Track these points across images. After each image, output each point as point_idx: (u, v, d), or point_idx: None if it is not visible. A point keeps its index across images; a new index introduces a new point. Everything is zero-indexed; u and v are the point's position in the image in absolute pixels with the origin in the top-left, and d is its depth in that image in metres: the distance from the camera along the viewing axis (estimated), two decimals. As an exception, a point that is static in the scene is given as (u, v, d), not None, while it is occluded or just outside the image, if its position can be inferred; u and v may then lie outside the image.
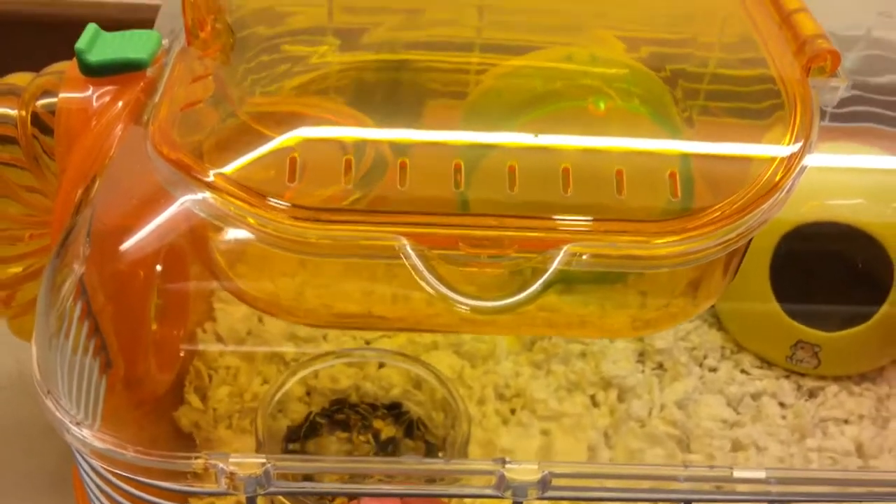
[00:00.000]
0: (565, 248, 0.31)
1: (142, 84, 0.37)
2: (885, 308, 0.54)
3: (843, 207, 0.54)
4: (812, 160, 0.33)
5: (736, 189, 0.32)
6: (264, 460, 0.29)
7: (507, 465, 0.30)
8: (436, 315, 0.39)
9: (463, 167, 0.32)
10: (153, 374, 0.46)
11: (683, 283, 0.40)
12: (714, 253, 0.32)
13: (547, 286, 0.31)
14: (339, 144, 0.33)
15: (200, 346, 0.55)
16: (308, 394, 0.54)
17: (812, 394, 0.57)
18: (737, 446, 0.53)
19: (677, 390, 0.56)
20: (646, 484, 0.31)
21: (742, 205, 0.31)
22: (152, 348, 0.48)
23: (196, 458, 0.29)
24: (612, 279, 0.42)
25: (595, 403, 0.55)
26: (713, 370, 0.58)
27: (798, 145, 0.33)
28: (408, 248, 0.30)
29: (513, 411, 0.54)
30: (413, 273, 0.30)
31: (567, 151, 0.34)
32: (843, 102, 0.59)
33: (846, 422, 0.55)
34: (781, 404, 0.56)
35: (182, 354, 0.52)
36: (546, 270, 0.31)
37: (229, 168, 0.32)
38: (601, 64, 0.46)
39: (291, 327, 0.57)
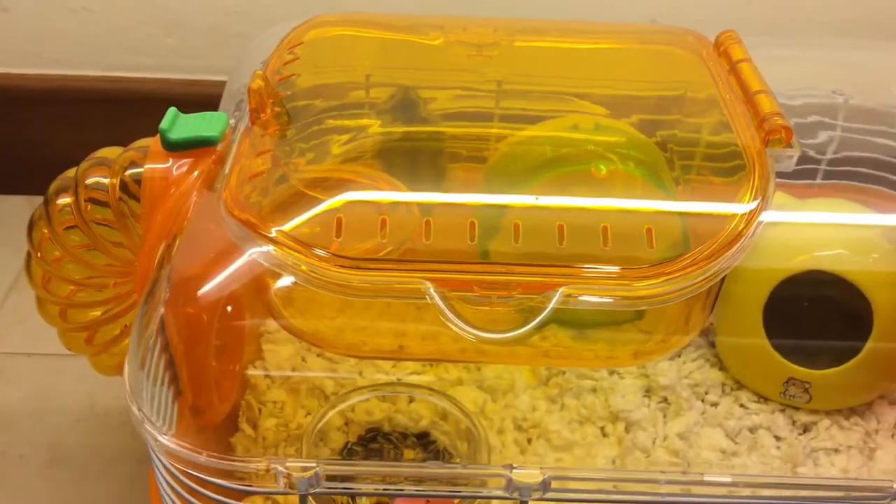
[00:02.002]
0: (561, 289, 0.37)
1: (213, 157, 0.45)
2: (866, 348, 0.59)
3: (828, 258, 0.59)
4: (768, 216, 0.39)
5: (706, 239, 0.38)
6: (315, 464, 0.36)
7: (515, 470, 0.36)
8: (461, 350, 0.46)
9: (477, 224, 0.39)
10: (214, 405, 0.53)
11: (678, 320, 0.47)
12: (689, 292, 0.38)
13: (546, 322, 0.37)
14: (376, 206, 0.40)
15: (252, 382, 0.62)
16: (346, 424, 0.60)
17: (806, 428, 0.62)
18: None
19: (680, 423, 0.61)
20: (632, 487, 0.37)
21: (710, 253, 0.38)
22: (214, 382, 0.55)
23: (259, 461, 0.36)
24: (618, 321, 0.48)
25: (604, 434, 0.61)
26: (714, 405, 0.63)
27: (756, 203, 0.40)
28: (431, 290, 0.37)
29: (529, 441, 0.59)
30: (437, 311, 0.37)
31: (562, 210, 0.41)
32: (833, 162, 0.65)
33: (836, 451, 0.60)
34: (777, 437, 0.61)
35: (237, 389, 0.59)
36: (545, 309, 0.37)
37: (287, 226, 0.39)
38: (604, 132, 0.53)
39: (331, 365, 0.64)
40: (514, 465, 0.36)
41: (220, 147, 0.45)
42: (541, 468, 0.36)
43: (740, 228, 0.39)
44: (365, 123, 0.51)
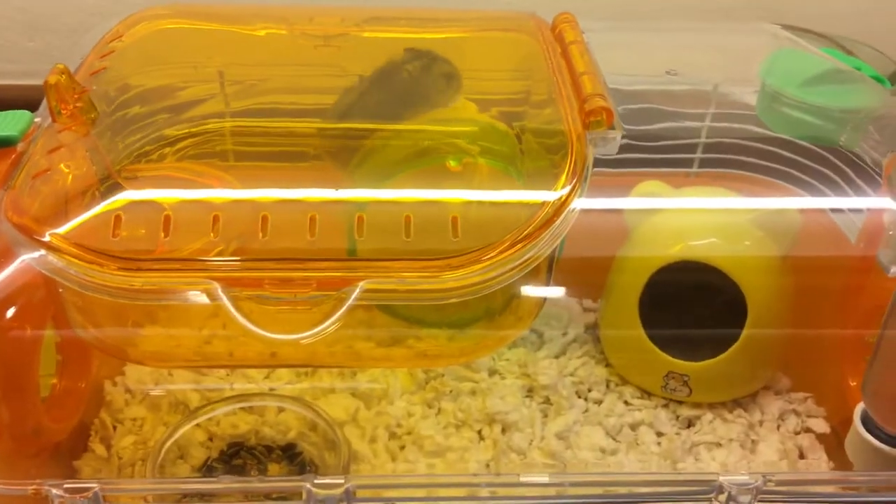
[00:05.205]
0: (361, 284, 0.35)
1: (13, 157, 0.42)
2: (742, 337, 0.57)
3: (700, 247, 0.58)
4: (582, 202, 0.37)
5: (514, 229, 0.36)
6: (95, 484, 0.33)
7: (315, 481, 0.34)
8: (331, 354, 0.43)
9: (270, 220, 0.36)
10: (47, 425, 0.49)
11: (531, 308, 0.45)
12: (500, 282, 0.36)
13: (344, 317, 0.35)
14: (159, 205, 0.38)
15: (107, 398, 0.59)
16: (210, 439, 0.57)
17: (690, 422, 0.60)
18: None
19: (559, 423, 0.59)
20: (445, 492, 0.34)
21: (517, 241, 0.36)
22: (49, 401, 0.52)
23: (31, 484, 0.33)
24: (491, 313, 0.47)
25: (481, 438, 0.58)
26: (598, 402, 0.62)
27: (566, 189, 0.38)
28: (219, 290, 0.35)
29: (402, 448, 0.57)
30: (227, 311, 0.34)
31: (364, 203, 0.39)
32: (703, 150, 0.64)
33: (718, 445, 0.58)
34: (658, 433, 0.59)
35: (84, 406, 0.55)
36: (343, 305, 0.35)
37: (64, 228, 0.36)
38: (464, 124, 0.51)
39: (198, 378, 0.61)
40: (316, 476, 0.34)
41: (20, 147, 0.42)
42: (344, 477, 0.33)
43: (550, 216, 0.36)
44: (210, 119, 0.48)
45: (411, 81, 0.50)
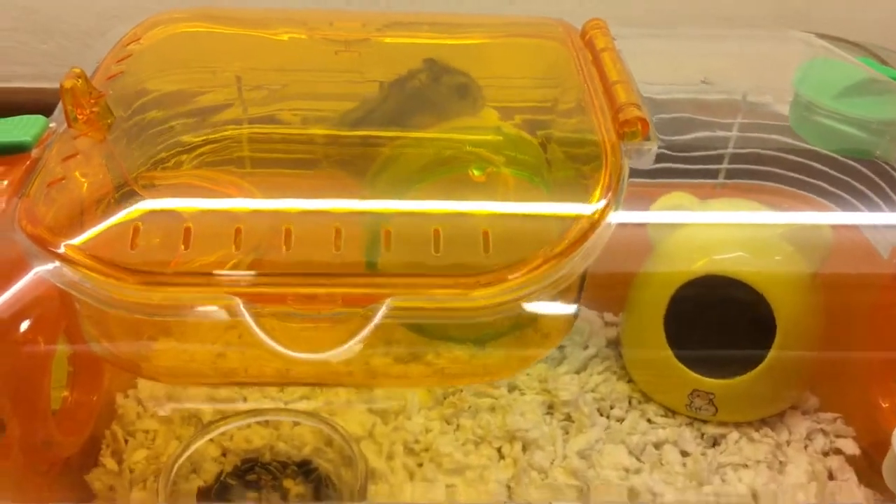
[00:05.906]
0: (387, 301, 0.34)
1: (27, 163, 0.40)
2: (770, 355, 0.56)
3: (727, 261, 0.56)
4: (618, 216, 0.36)
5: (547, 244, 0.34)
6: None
7: (335, 505, 0.32)
8: (349, 373, 0.42)
9: (293, 231, 0.35)
10: (57, 439, 0.48)
11: (560, 326, 0.43)
12: (533, 300, 0.34)
13: (369, 336, 0.33)
14: (178, 215, 0.36)
15: (119, 411, 0.57)
16: (224, 454, 0.56)
17: (715, 441, 0.59)
18: (633, 494, 0.54)
19: (581, 441, 0.57)
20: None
21: (551, 257, 0.34)
22: (60, 414, 0.51)
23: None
24: (516, 330, 0.45)
25: (501, 456, 0.57)
26: (620, 420, 0.60)
27: (602, 203, 0.36)
28: (241, 306, 0.33)
29: (420, 465, 0.56)
30: (249, 328, 0.33)
31: (389, 215, 0.37)
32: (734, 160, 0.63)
33: (745, 466, 0.57)
34: (683, 452, 0.58)
35: (95, 419, 0.54)
36: (370, 323, 0.33)
37: (80, 239, 0.34)
38: (487, 132, 0.50)
39: (210, 391, 0.60)
40: (335, 502, 0.32)
41: (35, 153, 0.41)
42: (364, 501, 0.32)
43: (585, 230, 0.35)
44: (227, 125, 0.47)
45: (420, 92, 0.49)
